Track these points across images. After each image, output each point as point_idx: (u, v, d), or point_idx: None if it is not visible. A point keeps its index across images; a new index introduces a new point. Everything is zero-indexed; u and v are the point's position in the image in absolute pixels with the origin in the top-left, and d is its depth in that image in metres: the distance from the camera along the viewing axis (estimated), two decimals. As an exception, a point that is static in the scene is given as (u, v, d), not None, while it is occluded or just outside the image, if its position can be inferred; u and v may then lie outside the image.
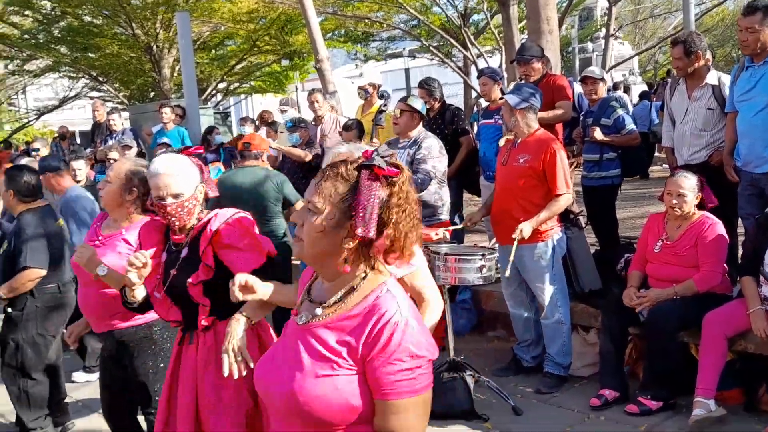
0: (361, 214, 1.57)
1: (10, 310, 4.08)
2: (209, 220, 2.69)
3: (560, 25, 13.81)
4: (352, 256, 1.63)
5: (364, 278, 1.65)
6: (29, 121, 24.89)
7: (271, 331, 2.82)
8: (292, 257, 4.90)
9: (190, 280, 2.60)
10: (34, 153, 7.90)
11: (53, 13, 16.43)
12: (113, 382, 3.28)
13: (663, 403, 4.00)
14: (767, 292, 3.83)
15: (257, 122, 10.63)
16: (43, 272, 4.00)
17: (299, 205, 4.92)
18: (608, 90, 7.74)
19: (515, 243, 4.22)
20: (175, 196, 2.62)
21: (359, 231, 1.57)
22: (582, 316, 4.78)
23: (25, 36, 17.11)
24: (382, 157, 1.62)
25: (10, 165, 7.27)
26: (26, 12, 16.66)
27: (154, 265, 2.72)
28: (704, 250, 4.09)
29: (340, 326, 1.62)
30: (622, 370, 4.32)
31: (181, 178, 2.63)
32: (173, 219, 2.66)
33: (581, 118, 6.14)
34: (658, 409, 3.98)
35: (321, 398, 1.58)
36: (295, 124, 7.00)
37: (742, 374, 4.04)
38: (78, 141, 20.55)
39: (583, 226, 4.96)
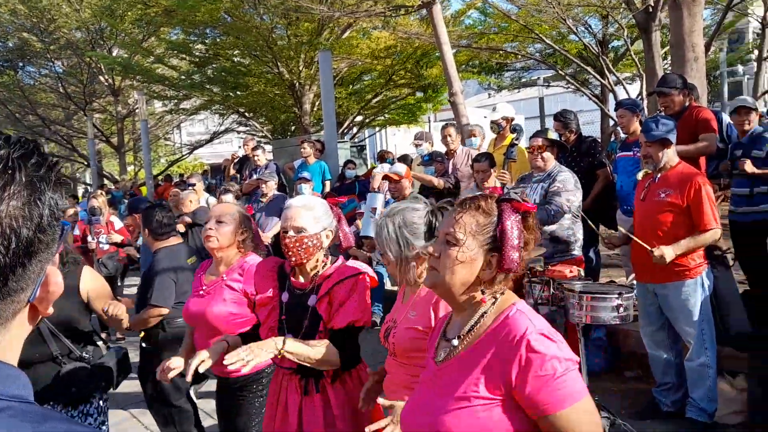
0: (509, 246, 1.64)
1: (144, 345, 4.22)
2: (334, 272, 2.69)
3: (707, 50, 13.13)
4: (487, 285, 1.70)
5: (494, 303, 1.71)
6: (183, 155, 26.88)
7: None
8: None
9: (320, 329, 2.61)
10: (190, 187, 8.55)
11: (207, 55, 17.75)
12: (221, 414, 3.38)
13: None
14: None
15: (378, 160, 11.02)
16: (165, 311, 4.07)
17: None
18: (761, 117, 7.28)
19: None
20: (297, 230, 2.64)
21: (508, 263, 1.64)
22: (729, 360, 4.50)
23: (182, 77, 18.56)
24: (515, 194, 1.69)
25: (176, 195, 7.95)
26: (183, 55, 18.12)
27: (269, 309, 2.77)
28: None
29: (477, 352, 1.64)
30: (775, 420, 4.02)
31: (308, 214, 2.66)
32: (290, 253, 2.65)
33: (730, 149, 5.84)
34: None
35: (462, 430, 1.57)
36: (432, 158, 7.22)
37: None
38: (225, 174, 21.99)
39: (731, 264, 4.69)
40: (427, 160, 7.32)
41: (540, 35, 14.97)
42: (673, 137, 4.28)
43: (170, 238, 4.32)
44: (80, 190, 25.73)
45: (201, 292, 3.34)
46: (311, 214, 2.67)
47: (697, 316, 4.25)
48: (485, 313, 1.69)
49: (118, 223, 8.41)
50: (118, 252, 8.29)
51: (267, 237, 8.12)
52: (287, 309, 2.72)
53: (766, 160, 5.36)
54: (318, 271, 2.72)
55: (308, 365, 2.55)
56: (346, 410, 2.64)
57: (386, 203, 5.99)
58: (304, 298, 2.69)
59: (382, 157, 11.13)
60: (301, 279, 2.75)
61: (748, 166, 5.30)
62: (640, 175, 4.62)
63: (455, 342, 1.71)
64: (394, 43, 16.30)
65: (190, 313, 3.34)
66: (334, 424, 2.62)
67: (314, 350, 2.53)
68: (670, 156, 4.31)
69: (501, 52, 17.07)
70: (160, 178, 21.91)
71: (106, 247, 8.07)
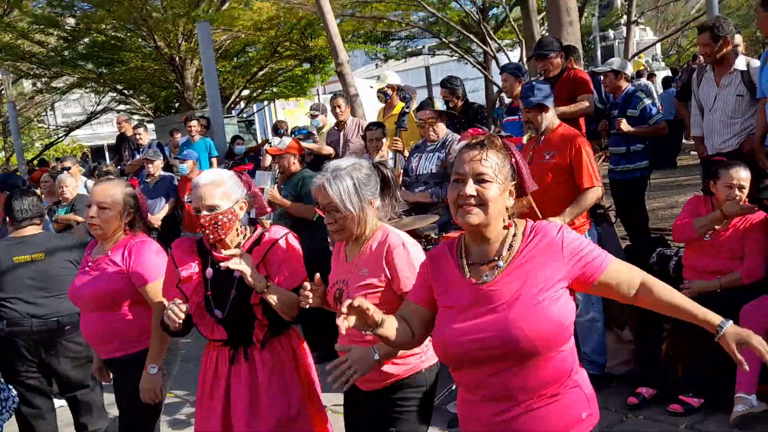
0: (526, 173, 1.99)
1: None
2: (260, 237, 2.74)
3: (580, 15, 13.65)
4: (508, 212, 1.99)
5: (516, 224, 2.00)
6: (59, 138, 25.26)
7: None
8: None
9: (253, 302, 2.66)
10: (65, 171, 7.99)
11: (77, 29, 16.66)
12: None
13: (704, 401, 3.91)
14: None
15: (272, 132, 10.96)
16: None
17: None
18: (632, 78, 7.60)
19: None
20: (210, 209, 2.63)
21: (528, 187, 2.00)
22: (615, 313, 4.69)
23: (51, 54, 17.36)
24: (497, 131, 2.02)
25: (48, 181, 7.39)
26: (51, 30, 16.92)
27: (194, 285, 2.76)
28: (751, 241, 3.97)
29: (526, 263, 1.93)
30: (658, 366, 4.23)
31: (218, 191, 2.65)
32: (207, 232, 2.66)
33: (607, 110, 6.05)
34: (699, 407, 3.90)
35: (536, 326, 1.84)
36: (309, 133, 7.63)
37: (783, 367, 3.93)
38: (107, 156, 20.83)
39: (613, 221, 4.88)
40: (305, 133, 7.49)
41: (422, 2, 15.03)
42: (549, 101, 4.35)
43: (28, 227, 3.96)
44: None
45: (87, 269, 3.23)
46: (221, 189, 2.66)
47: (583, 273, 4.37)
48: (515, 234, 1.97)
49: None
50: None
51: (156, 219, 7.75)
52: (212, 284, 2.74)
53: (640, 118, 5.59)
54: (240, 242, 2.75)
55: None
56: (272, 376, 2.71)
57: (274, 180, 5.73)
58: (230, 271, 2.67)
59: (276, 128, 10.91)
60: (224, 252, 2.72)
61: (624, 125, 5.50)
62: (524, 139, 4.69)
63: (501, 264, 1.94)
64: (277, 14, 15.89)
65: (74, 288, 3.24)
66: (258, 390, 2.69)
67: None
68: (549, 119, 4.39)
69: (385, 20, 17.03)
70: (35, 162, 20.50)
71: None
